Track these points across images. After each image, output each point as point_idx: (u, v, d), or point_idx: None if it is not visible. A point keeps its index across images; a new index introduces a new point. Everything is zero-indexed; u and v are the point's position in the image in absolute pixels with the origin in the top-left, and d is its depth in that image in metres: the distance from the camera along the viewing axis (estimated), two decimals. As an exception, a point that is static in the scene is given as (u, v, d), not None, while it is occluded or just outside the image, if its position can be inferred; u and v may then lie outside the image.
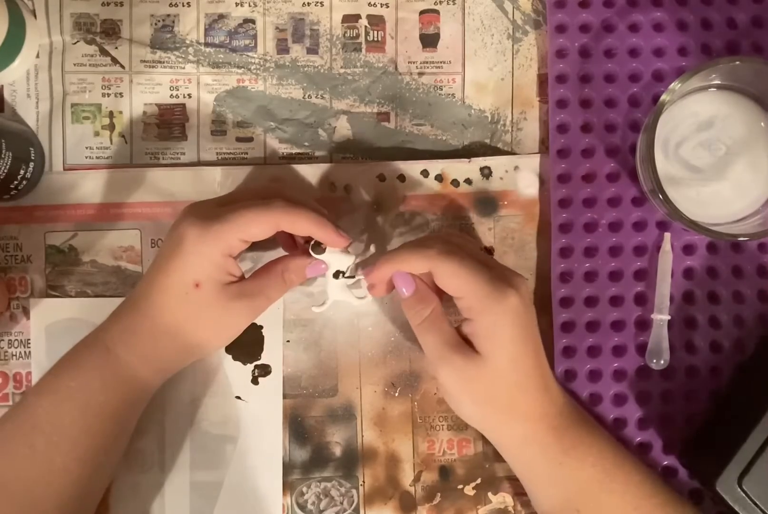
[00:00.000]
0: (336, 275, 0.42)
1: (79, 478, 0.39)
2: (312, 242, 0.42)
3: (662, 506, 0.40)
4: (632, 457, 0.42)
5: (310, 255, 0.42)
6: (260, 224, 0.39)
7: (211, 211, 0.40)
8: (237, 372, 0.46)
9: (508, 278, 0.39)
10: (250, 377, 0.46)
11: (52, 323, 0.46)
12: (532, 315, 0.40)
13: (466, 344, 0.40)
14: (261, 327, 0.46)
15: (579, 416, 0.42)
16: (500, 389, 0.39)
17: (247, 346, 0.46)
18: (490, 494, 0.47)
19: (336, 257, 0.42)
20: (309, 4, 0.48)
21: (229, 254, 0.39)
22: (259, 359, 0.46)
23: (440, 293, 0.41)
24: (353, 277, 0.43)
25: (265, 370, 0.46)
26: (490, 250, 0.47)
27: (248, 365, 0.46)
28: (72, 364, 0.40)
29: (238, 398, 0.46)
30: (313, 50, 0.48)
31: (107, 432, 0.41)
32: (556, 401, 0.41)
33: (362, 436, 0.47)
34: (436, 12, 0.48)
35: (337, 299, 0.43)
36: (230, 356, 0.46)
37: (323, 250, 0.42)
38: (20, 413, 0.40)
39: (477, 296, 0.38)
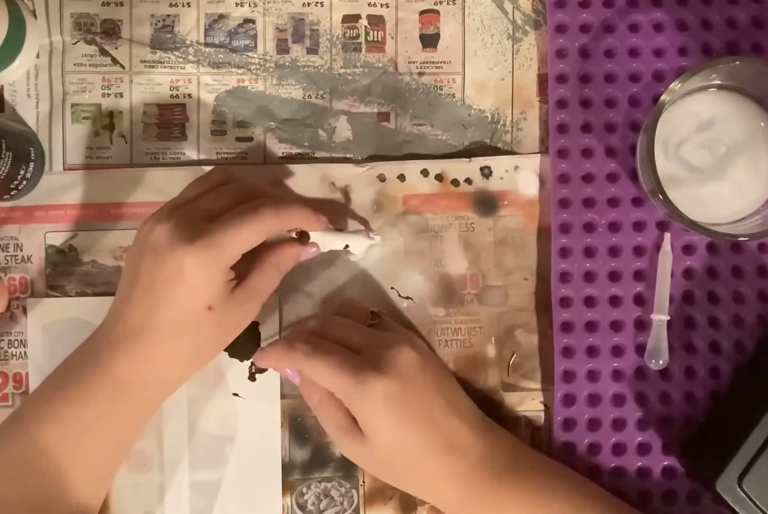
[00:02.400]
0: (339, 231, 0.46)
1: (83, 496, 0.40)
2: (297, 232, 0.43)
3: None
4: (569, 500, 0.41)
5: (295, 241, 0.44)
6: (257, 235, 0.39)
7: (199, 231, 0.38)
8: (233, 369, 0.46)
9: (376, 362, 0.40)
10: (247, 374, 0.46)
11: (49, 323, 0.46)
12: (417, 382, 0.40)
13: (356, 426, 0.40)
14: (257, 324, 0.46)
15: (498, 469, 0.41)
16: (395, 465, 0.41)
17: (243, 343, 0.46)
18: (489, 494, 0.47)
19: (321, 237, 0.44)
20: (309, 4, 0.48)
21: (229, 268, 0.39)
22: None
23: None
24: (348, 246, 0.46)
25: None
26: (377, 314, 0.45)
27: (245, 361, 0.46)
28: (81, 394, 0.39)
29: (236, 395, 0.46)
30: (313, 50, 0.48)
31: (116, 454, 0.41)
32: (467, 456, 0.40)
33: (362, 436, 0.47)
34: (436, 12, 0.48)
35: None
36: (226, 354, 0.46)
37: (308, 237, 0.44)
38: (22, 441, 0.39)
39: (343, 392, 0.40)
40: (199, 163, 0.47)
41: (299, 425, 0.46)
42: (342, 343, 0.41)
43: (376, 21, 0.48)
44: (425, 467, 0.40)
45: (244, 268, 0.41)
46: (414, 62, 0.48)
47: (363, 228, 0.47)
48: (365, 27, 0.48)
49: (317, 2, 0.48)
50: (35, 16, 0.47)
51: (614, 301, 0.46)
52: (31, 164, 0.45)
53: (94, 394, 0.39)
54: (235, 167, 0.47)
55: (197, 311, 0.39)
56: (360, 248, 0.46)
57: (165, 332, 0.39)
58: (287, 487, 0.46)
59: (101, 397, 0.39)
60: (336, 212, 0.47)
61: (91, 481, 0.40)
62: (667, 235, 0.46)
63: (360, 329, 0.43)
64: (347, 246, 0.45)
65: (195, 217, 0.39)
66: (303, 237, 0.44)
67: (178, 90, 0.48)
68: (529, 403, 0.47)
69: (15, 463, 0.39)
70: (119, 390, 0.39)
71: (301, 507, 0.46)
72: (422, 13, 0.48)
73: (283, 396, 0.46)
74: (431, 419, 0.40)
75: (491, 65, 0.48)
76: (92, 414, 0.39)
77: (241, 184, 0.42)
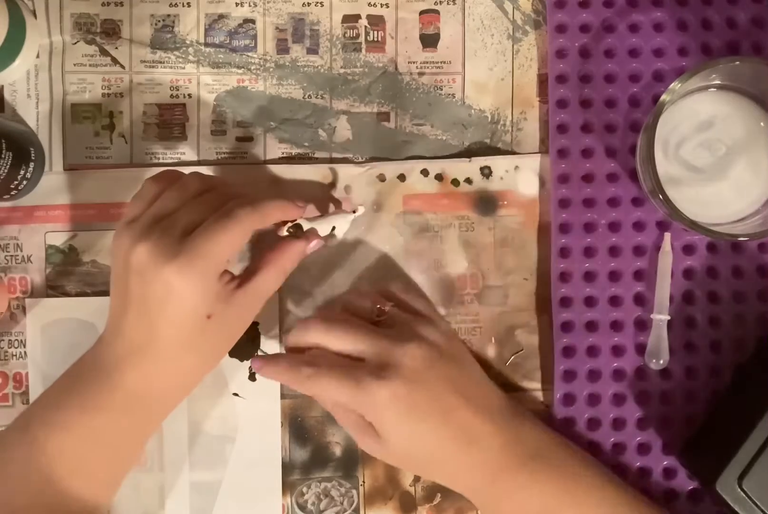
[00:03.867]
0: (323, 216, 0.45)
1: (92, 503, 0.40)
2: (289, 229, 0.43)
3: None
4: (592, 491, 0.41)
5: (289, 235, 0.43)
6: (238, 238, 0.39)
7: (180, 246, 0.37)
8: (234, 369, 0.46)
9: (379, 368, 0.39)
10: (247, 374, 0.46)
11: (49, 323, 0.46)
12: (424, 381, 0.40)
13: (371, 426, 0.40)
14: (257, 323, 0.46)
15: (520, 457, 0.41)
16: (413, 460, 0.41)
17: (243, 343, 0.46)
18: (489, 494, 0.47)
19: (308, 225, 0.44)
20: (309, 4, 0.48)
21: (220, 274, 0.39)
22: (256, 356, 0.46)
23: None
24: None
25: (262, 367, 0.46)
26: (382, 311, 0.44)
27: (245, 361, 0.46)
28: (91, 404, 0.39)
29: (236, 395, 0.46)
30: (313, 50, 0.48)
31: (125, 462, 0.41)
32: (485, 449, 0.40)
33: (362, 436, 0.47)
34: (436, 12, 0.48)
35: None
36: (227, 353, 0.46)
37: (301, 229, 0.43)
38: (32, 447, 0.38)
39: (351, 403, 0.40)
40: (199, 163, 0.47)
41: (299, 425, 0.46)
42: (345, 353, 0.41)
43: (376, 21, 0.48)
44: (443, 460, 0.40)
45: (250, 268, 0.41)
46: (414, 62, 0.48)
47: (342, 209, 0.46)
48: (365, 27, 0.48)
49: (317, 2, 0.48)
50: (35, 16, 0.47)
51: (614, 301, 0.46)
52: (31, 164, 0.45)
53: (105, 405, 0.39)
54: (208, 172, 0.46)
55: (197, 323, 0.38)
56: (345, 227, 0.45)
57: (169, 347, 0.39)
58: (287, 487, 0.46)
59: (113, 408, 0.39)
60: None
61: (101, 488, 0.40)
62: (667, 235, 0.46)
63: (363, 334, 0.41)
64: (334, 228, 0.44)
65: (175, 232, 0.38)
66: (298, 231, 0.43)
67: (178, 90, 0.48)
68: (529, 403, 0.47)
69: (25, 469, 0.38)
70: (129, 402, 0.39)
71: (301, 507, 0.46)
72: (422, 13, 0.48)
73: (283, 396, 0.46)
74: (444, 415, 0.40)
75: (491, 65, 0.48)
76: (103, 424, 0.39)
77: (217, 192, 0.41)
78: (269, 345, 0.46)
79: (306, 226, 0.43)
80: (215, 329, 0.39)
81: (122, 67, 0.47)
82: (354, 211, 0.45)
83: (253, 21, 0.48)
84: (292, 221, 0.43)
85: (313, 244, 0.43)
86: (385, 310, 0.43)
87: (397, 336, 0.41)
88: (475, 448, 0.40)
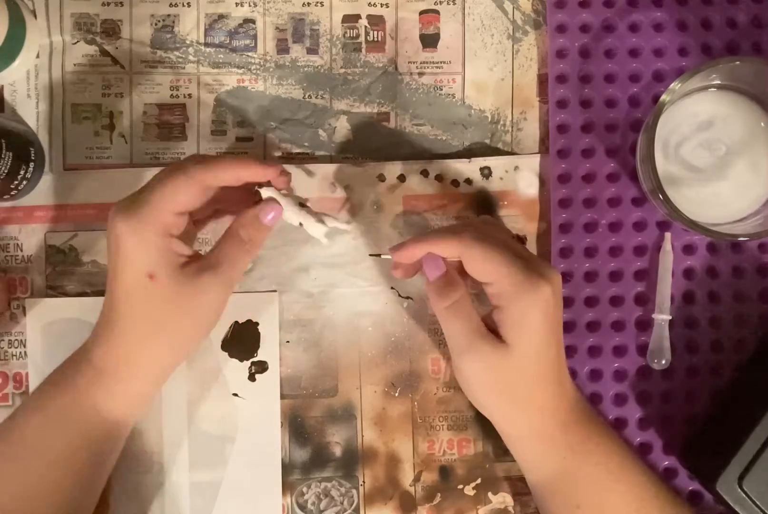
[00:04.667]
0: (302, 206, 0.42)
1: (72, 494, 0.39)
2: (256, 200, 0.40)
3: (662, 508, 0.40)
4: (637, 459, 0.41)
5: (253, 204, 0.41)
6: (184, 189, 0.38)
7: (133, 200, 0.38)
8: (233, 370, 0.46)
9: (541, 269, 0.38)
10: (247, 374, 0.46)
11: (49, 323, 0.46)
12: (560, 310, 0.40)
13: (491, 333, 0.39)
14: (257, 324, 0.46)
15: (588, 413, 0.41)
16: (521, 380, 0.39)
17: (243, 343, 0.46)
18: (490, 494, 0.47)
19: (287, 201, 0.41)
20: (309, 4, 0.48)
21: (169, 234, 0.38)
22: (256, 356, 0.46)
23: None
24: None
25: (261, 366, 0.46)
26: (522, 239, 0.46)
27: (245, 362, 0.46)
28: (61, 382, 0.40)
29: (236, 395, 0.46)
30: (313, 50, 0.48)
31: (101, 447, 0.40)
32: (569, 396, 0.41)
33: (362, 436, 0.46)
34: (436, 12, 0.48)
35: (318, 230, 0.42)
36: (227, 354, 0.46)
37: (272, 189, 0.41)
38: (9, 432, 0.39)
39: (509, 283, 0.38)
40: (199, 163, 0.47)
41: (299, 425, 0.46)
42: (507, 241, 0.40)
43: (376, 21, 0.48)
44: (537, 393, 0.39)
45: (211, 251, 0.40)
46: (414, 62, 0.48)
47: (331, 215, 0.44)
48: (365, 27, 0.48)
49: (317, 2, 0.48)
50: (35, 16, 0.47)
51: (615, 301, 0.46)
52: (31, 164, 0.45)
53: (72, 381, 0.39)
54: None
55: (138, 280, 0.37)
56: (316, 232, 0.42)
57: (120, 308, 0.38)
58: (287, 487, 0.46)
59: (79, 384, 0.39)
60: (336, 212, 0.47)
61: (82, 479, 0.40)
62: (668, 235, 0.46)
63: (515, 241, 0.41)
64: (301, 224, 0.42)
65: (135, 193, 0.39)
66: (266, 190, 0.41)
67: (178, 90, 0.48)
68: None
69: (7, 457, 0.39)
70: (95, 377, 0.39)
71: (301, 507, 0.46)
72: (422, 13, 0.48)
73: (283, 396, 0.46)
74: (561, 347, 0.40)
75: (491, 65, 0.48)
76: (69, 402, 0.39)
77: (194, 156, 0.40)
78: (269, 345, 0.46)
79: (264, 194, 0.41)
80: (159, 294, 0.38)
81: (122, 67, 0.47)
82: (333, 225, 0.43)
83: (253, 21, 0.48)
84: (259, 186, 0.41)
85: (267, 213, 0.40)
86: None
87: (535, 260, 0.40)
88: (564, 390, 0.40)
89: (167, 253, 0.38)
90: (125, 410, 0.40)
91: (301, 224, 0.42)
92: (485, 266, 0.38)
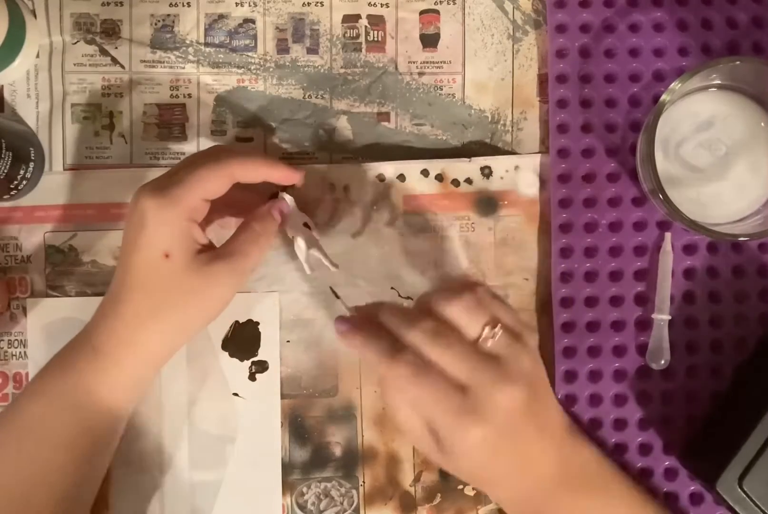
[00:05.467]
0: (305, 225, 0.44)
1: (74, 478, 0.39)
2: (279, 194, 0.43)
3: None
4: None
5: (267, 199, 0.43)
6: (216, 178, 0.39)
7: (163, 181, 0.39)
8: (234, 369, 0.46)
9: (479, 405, 0.35)
10: (247, 374, 0.46)
11: (49, 323, 0.46)
12: (516, 430, 0.36)
13: (438, 439, 0.36)
14: (258, 323, 0.46)
15: (568, 477, 0.39)
16: (468, 476, 0.39)
17: (244, 342, 0.46)
18: (490, 494, 0.47)
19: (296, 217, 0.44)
20: (309, 4, 0.48)
21: (194, 219, 0.39)
22: (256, 356, 0.46)
23: None
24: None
25: (262, 366, 0.46)
26: (489, 337, 0.37)
27: (245, 361, 0.46)
28: (61, 365, 0.40)
29: (236, 395, 0.46)
30: (313, 50, 0.48)
31: (102, 431, 0.41)
32: (542, 467, 0.39)
33: (362, 436, 0.46)
34: (437, 12, 0.48)
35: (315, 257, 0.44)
36: (227, 353, 0.46)
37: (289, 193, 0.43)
38: (12, 416, 0.40)
39: (439, 427, 0.36)
40: (199, 163, 0.47)
41: (299, 425, 0.46)
42: (447, 368, 0.35)
43: (376, 21, 0.48)
44: (500, 478, 0.38)
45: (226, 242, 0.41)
46: (414, 62, 0.48)
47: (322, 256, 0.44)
48: (365, 27, 0.48)
49: (317, 2, 0.48)
50: (35, 16, 0.47)
51: (615, 301, 0.46)
52: (31, 164, 0.45)
53: (72, 363, 0.40)
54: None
55: (153, 257, 0.38)
56: (302, 256, 0.43)
57: (129, 282, 0.39)
58: (287, 487, 0.46)
59: (78, 368, 0.39)
60: (336, 212, 0.47)
61: (83, 463, 0.40)
62: (668, 235, 0.46)
63: (469, 355, 0.36)
64: (293, 239, 0.44)
65: (164, 175, 0.40)
66: (285, 193, 0.43)
67: (178, 90, 0.48)
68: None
69: (8, 442, 0.39)
70: (95, 359, 0.39)
71: (301, 507, 0.46)
72: (422, 13, 0.48)
73: (283, 396, 0.46)
74: (518, 454, 0.37)
75: (491, 65, 0.48)
76: (69, 385, 0.39)
77: (225, 147, 0.43)
78: (270, 345, 0.46)
79: (283, 196, 0.43)
80: (169, 275, 0.38)
81: (122, 67, 0.47)
82: (332, 265, 0.44)
83: (253, 21, 0.48)
84: (282, 188, 0.43)
85: (277, 207, 0.42)
86: (496, 334, 0.36)
87: (501, 370, 0.36)
88: (528, 475, 0.38)
89: (187, 236, 0.39)
90: (122, 393, 0.41)
91: (293, 239, 0.43)
92: (414, 404, 0.36)
